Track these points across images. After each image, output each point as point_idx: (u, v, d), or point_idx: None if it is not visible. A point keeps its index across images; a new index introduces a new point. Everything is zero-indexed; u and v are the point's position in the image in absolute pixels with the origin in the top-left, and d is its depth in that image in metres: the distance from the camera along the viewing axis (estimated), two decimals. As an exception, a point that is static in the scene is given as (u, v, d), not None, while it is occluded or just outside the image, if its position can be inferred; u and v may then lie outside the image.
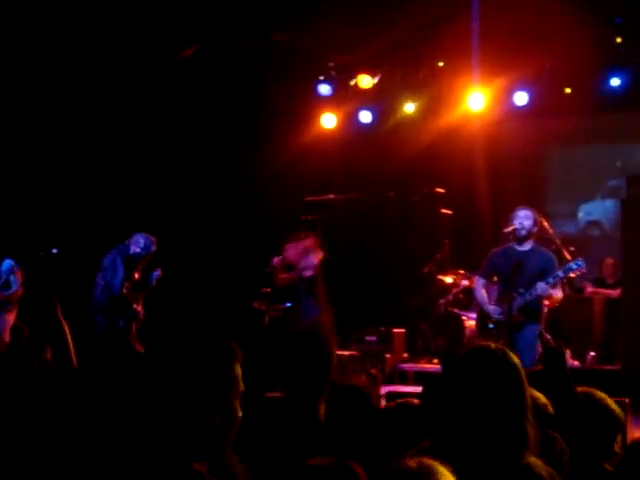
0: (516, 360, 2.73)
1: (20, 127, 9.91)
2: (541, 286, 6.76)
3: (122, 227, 9.81)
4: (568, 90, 10.79)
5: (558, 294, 7.01)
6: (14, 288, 8.43)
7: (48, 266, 8.45)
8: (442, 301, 9.81)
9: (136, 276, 8.55)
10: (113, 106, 10.39)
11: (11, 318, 8.46)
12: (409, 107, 11.56)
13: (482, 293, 7.26)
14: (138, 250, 8.43)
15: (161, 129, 10.84)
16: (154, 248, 8.53)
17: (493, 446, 2.57)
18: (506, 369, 2.69)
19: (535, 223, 7.07)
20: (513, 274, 6.90)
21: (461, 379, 2.70)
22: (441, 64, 11.05)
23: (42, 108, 9.99)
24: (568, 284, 9.13)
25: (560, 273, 6.87)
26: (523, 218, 7.03)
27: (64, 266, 8.79)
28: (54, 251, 8.19)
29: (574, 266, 6.90)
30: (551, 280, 6.80)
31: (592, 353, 9.42)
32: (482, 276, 7.33)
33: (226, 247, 10.92)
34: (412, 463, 2.11)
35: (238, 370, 2.49)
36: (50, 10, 8.73)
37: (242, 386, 2.48)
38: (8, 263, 8.46)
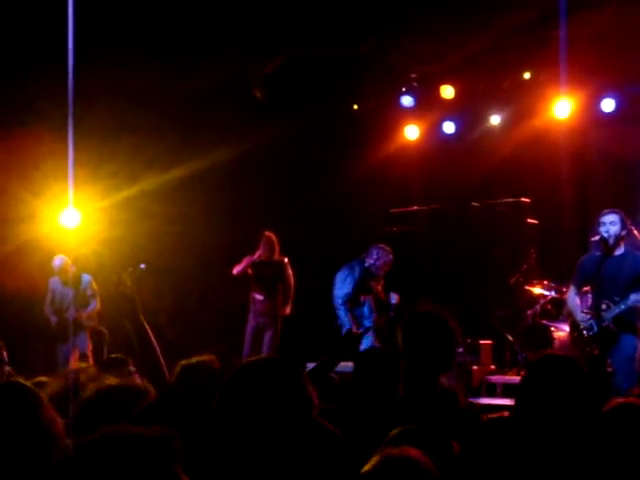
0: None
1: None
2: (634, 297, 6.57)
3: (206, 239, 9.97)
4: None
5: None
6: (93, 305, 8.50)
7: (137, 281, 8.59)
8: (530, 312, 9.66)
9: (379, 288, 8.80)
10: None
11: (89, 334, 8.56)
12: (494, 117, 11.46)
13: (575, 301, 7.06)
14: (372, 262, 8.67)
15: (251, 143, 10.95)
16: (390, 257, 8.76)
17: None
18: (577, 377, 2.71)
19: (623, 227, 6.86)
20: (604, 283, 6.74)
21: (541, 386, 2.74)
22: (526, 73, 10.93)
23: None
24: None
25: None
26: (609, 225, 6.84)
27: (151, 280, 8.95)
28: (142, 266, 8.34)
29: None
30: None
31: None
32: (574, 285, 7.15)
33: (310, 260, 10.96)
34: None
35: None
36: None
37: None
38: (86, 279, 8.53)
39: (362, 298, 8.95)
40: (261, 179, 11.34)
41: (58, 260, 8.80)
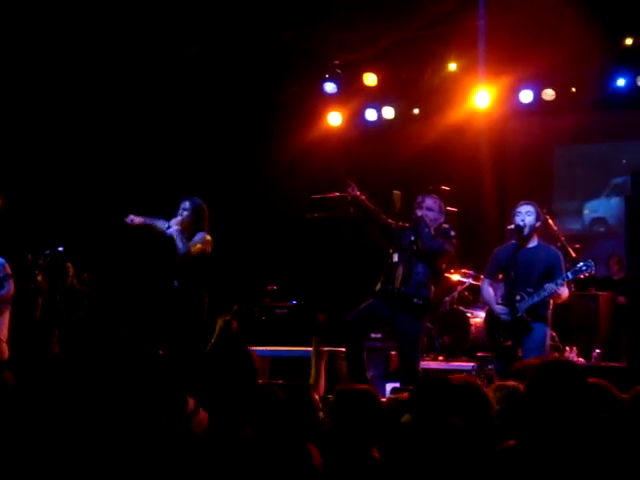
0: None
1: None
2: (550, 287, 6.72)
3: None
4: (573, 89, 10.82)
5: (565, 293, 6.97)
6: (6, 288, 8.30)
7: (55, 264, 8.45)
8: (447, 299, 9.81)
9: None
10: (116, 102, 10.46)
11: (6, 319, 8.36)
12: (414, 106, 11.59)
13: (489, 292, 7.18)
14: None
15: (170, 127, 10.89)
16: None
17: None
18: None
19: (538, 218, 7.00)
20: (518, 274, 6.88)
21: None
22: (448, 63, 11.07)
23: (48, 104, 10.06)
24: (574, 281, 9.13)
25: (569, 275, 6.82)
26: (525, 214, 6.97)
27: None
28: (60, 249, 8.19)
29: (583, 267, 6.84)
30: (560, 281, 6.76)
31: (597, 351, 9.42)
32: (487, 275, 7.27)
33: (232, 243, 10.95)
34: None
35: None
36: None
37: None
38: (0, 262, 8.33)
39: None
40: (185, 166, 11.23)
41: None
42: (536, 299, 6.77)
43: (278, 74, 11.46)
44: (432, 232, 7.30)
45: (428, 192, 7.80)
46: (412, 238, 7.32)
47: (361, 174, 11.60)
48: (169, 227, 7.46)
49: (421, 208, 7.38)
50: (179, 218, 7.49)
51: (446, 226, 7.45)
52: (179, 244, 7.39)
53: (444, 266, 7.54)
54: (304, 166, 11.40)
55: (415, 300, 7.20)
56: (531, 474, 2.52)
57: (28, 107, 9.99)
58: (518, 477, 2.51)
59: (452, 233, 7.39)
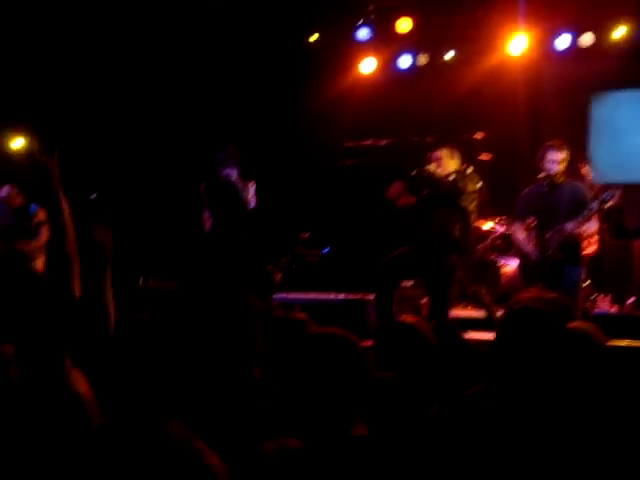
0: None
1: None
2: (569, 226, 6.74)
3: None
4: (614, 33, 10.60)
5: (592, 227, 6.96)
6: (40, 235, 8.35)
7: (88, 211, 8.52)
8: (480, 247, 9.77)
9: None
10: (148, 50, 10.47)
11: (40, 266, 8.47)
12: (449, 52, 11.44)
13: (520, 235, 7.21)
14: None
15: (201, 75, 10.87)
16: None
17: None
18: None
19: (565, 163, 6.99)
20: (546, 213, 6.87)
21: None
22: (483, 9, 10.90)
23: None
24: (608, 228, 9.06)
25: (594, 205, 6.80)
26: (555, 163, 6.94)
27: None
28: (92, 196, 8.28)
29: (607, 197, 6.81)
30: (586, 213, 6.75)
31: (632, 299, 9.36)
32: (517, 218, 7.28)
33: (265, 193, 10.99)
34: None
35: None
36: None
37: None
38: (33, 208, 8.39)
39: None
40: (213, 116, 11.22)
41: (4, 190, 8.68)
42: (564, 234, 6.75)
43: (311, 20, 11.38)
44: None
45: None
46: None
47: (394, 122, 11.57)
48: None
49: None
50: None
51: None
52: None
53: (469, 205, 7.51)
54: (336, 114, 11.33)
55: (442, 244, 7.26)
56: (494, 420, 2.51)
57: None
58: (483, 423, 2.50)
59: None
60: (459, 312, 9.00)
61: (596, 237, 7.23)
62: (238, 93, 11.25)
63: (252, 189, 8.35)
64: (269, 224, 10.56)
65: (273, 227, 10.66)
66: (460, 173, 7.33)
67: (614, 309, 9.22)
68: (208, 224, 8.29)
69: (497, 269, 9.22)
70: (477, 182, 7.32)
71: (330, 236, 11.05)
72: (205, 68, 10.87)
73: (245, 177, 8.39)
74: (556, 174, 6.89)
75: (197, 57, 10.79)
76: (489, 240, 9.87)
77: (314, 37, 11.55)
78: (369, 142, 11.48)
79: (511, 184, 10.64)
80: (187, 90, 10.92)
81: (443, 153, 7.53)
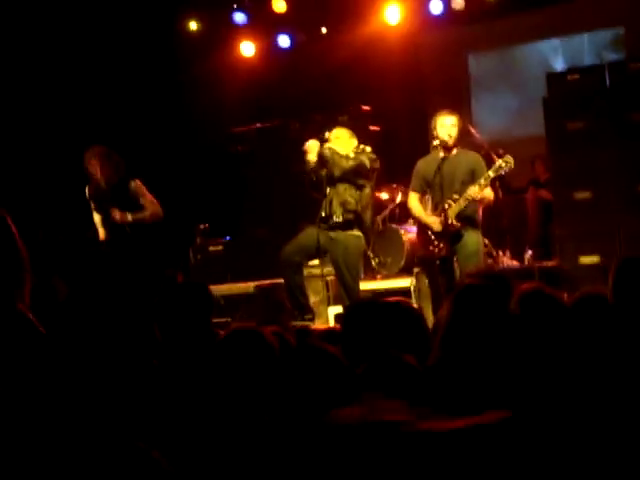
0: None
1: None
2: (473, 190, 6.85)
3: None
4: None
5: (491, 195, 7.11)
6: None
7: None
8: (379, 217, 9.86)
9: None
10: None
11: None
12: (324, 27, 11.50)
13: (417, 206, 7.30)
14: None
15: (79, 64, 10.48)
16: None
17: None
18: None
19: (457, 128, 7.10)
20: (443, 183, 6.97)
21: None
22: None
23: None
24: (500, 186, 9.26)
25: (491, 173, 6.93)
26: (450, 127, 7.05)
27: None
28: None
29: (503, 164, 6.96)
30: (482, 182, 6.87)
31: (530, 252, 9.61)
32: (414, 190, 7.37)
33: (156, 189, 10.79)
34: None
35: None
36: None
37: None
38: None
39: None
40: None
41: None
42: (462, 204, 6.87)
43: (187, 7, 11.24)
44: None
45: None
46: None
47: (281, 103, 11.53)
48: None
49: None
50: None
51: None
52: None
53: (370, 181, 7.55)
54: (221, 100, 11.23)
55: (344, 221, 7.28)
56: (446, 392, 2.54)
57: None
58: (437, 394, 2.53)
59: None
60: (368, 283, 9.06)
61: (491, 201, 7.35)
62: (114, 87, 10.90)
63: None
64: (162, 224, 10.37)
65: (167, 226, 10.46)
66: (360, 151, 7.38)
67: (515, 263, 9.47)
68: (101, 231, 7.68)
69: (400, 237, 9.31)
70: (375, 159, 7.38)
71: (229, 225, 10.95)
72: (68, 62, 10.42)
73: (132, 175, 7.84)
74: (450, 138, 7.00)
75: (60, 51, 10.34)
76: (387, 210, 9.97)
77: (192, 24, 11.41)
78: (257, 126, 11.41)
79: (401, 153, 10.79)
80: (52, 84, 10.42)
81: (342, 132, 7.56)
